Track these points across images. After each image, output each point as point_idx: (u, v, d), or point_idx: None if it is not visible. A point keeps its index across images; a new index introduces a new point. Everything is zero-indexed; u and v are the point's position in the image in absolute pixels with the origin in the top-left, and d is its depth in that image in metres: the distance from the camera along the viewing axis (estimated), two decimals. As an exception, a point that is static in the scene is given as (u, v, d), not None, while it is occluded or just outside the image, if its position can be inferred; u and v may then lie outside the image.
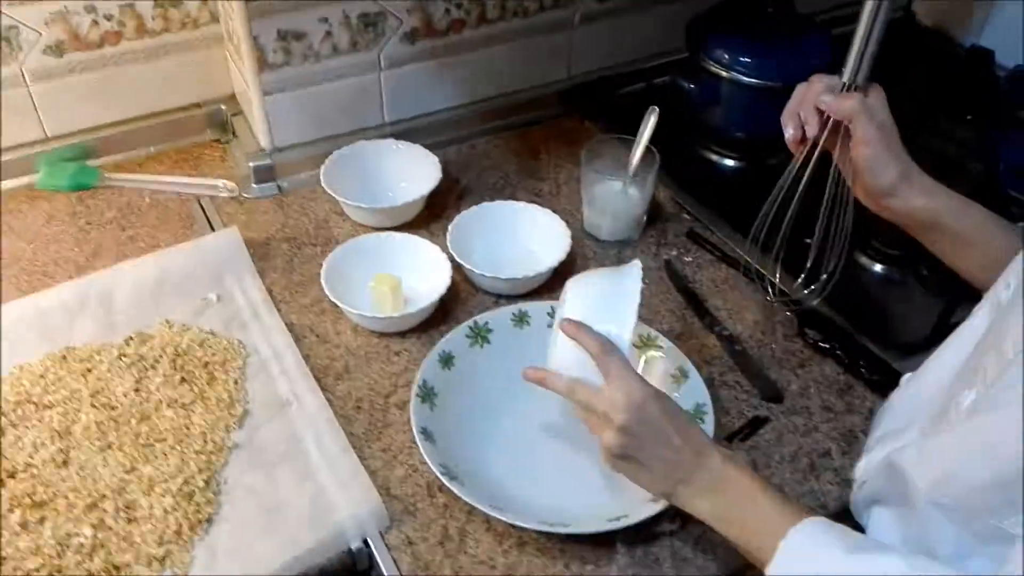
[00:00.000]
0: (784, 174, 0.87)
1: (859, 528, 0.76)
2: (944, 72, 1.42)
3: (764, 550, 0.65)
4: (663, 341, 0.90)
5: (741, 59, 1.14)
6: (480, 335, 0.92)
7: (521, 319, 0.93)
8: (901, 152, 0.80)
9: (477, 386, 0.89)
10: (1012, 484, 0.57)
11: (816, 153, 0.83)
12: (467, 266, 0.99)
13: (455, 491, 0.76)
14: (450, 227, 1.02)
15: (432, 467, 0.78)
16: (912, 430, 0.71)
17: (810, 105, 0.81)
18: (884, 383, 0.91)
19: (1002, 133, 1.18)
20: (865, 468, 0.77)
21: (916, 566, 0.59)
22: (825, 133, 0.81)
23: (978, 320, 0.72)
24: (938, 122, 1.29)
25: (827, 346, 0.95)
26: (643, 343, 0.90)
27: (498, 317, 0.93)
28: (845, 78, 0.79)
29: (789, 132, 0.83)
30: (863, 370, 0.93)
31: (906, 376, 0.81)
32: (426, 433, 0.81)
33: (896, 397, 0.81)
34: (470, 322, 0.91)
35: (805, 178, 0.85)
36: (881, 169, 0.79)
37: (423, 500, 0.80)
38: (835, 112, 0.79)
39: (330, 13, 1.07)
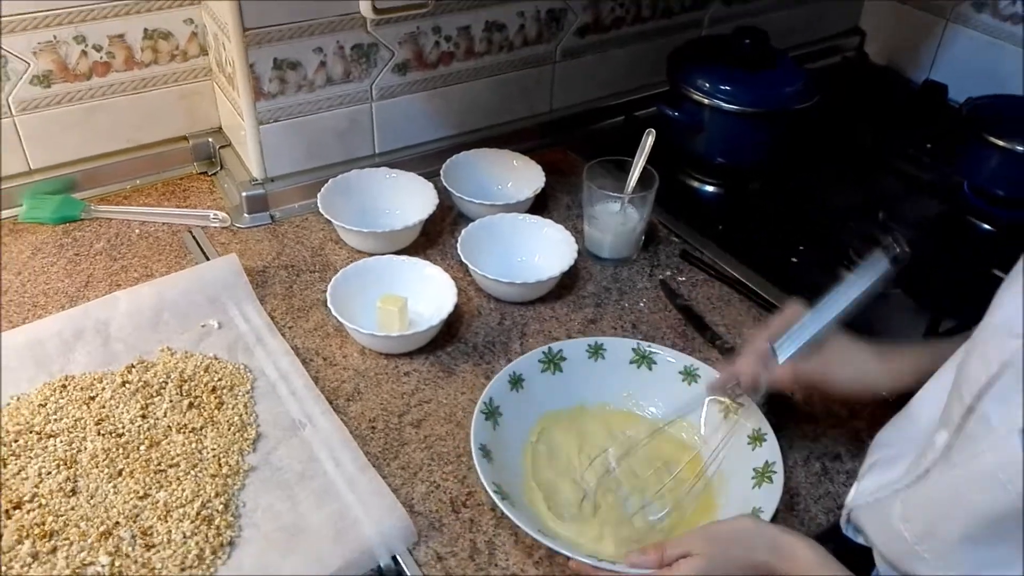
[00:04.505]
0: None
1: (845, 544, 0.77)
2: (900, 106, 1.50)
3: None
4: (745, 400, 0.86)
5: (722, 87, 1.19)
6: (553, 362, 0.91)
7: (596, 351, 0.92)
8: (843, 355, 0.81)
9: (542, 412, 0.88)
10: (982, 542, 0.58)
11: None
12: (478, 271, 1.01)
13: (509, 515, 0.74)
14: (461, 234, 1.05)
15: (486, 485, 0.76)
16: (900, 463, 0.71)
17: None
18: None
19: (964, 159, 1.24)
20: (854, 496, 0.77)
21: None
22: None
23: (960, 356, 0.70)
24: (903, 151, 1.36)
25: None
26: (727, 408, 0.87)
27: (572, 346, 0.92)
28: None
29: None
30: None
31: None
32: (484, 451, 0.80)
33: (889, 427, 0.79)
34: (544, 348, 0.90)
35: None
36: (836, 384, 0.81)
37: (448, 516, 0.79)
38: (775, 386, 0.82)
39: (324, 43, 1.08)
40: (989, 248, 1.20)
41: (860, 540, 0.76)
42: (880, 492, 0.71)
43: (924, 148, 1.37)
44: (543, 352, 0.90)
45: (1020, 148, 1.17)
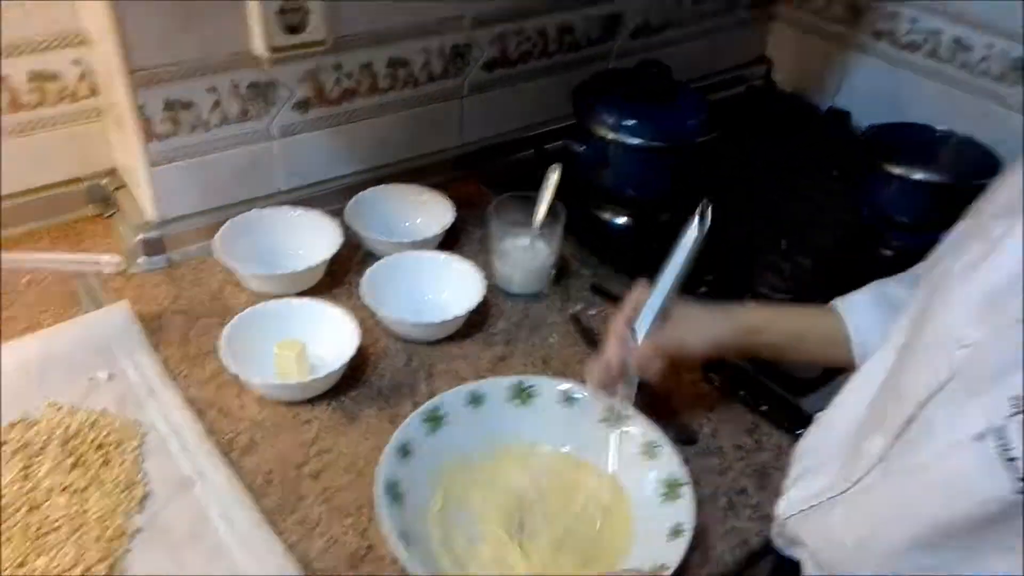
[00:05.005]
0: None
1: (783, 561, 0.77)
2: (806, 132, 1.53)
3: None
4: (630, 411, 0.88)
5: (624, 122, 1.19)
6: (476, 400, 0.89)
7: (521, 392, 0.91)
8: (695, 321, 0.87)
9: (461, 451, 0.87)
10: (931, 547, 0.58)
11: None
12: (382, 313, 0.98)
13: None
14: (364, 275, 1.03)
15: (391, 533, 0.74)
16: (827, 470, 0.72)
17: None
18: (788, 420, 0.95)
19: (864, 185, 1.28)
20: (786, 508, 0.77)
21: None
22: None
23: (881, 357, 0.72)
24: (809, 176, 1.39)
25: (731, 388, 0.98)
26: (611, 415, 0.88)
27: (493, 384, 0.91)
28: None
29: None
30: (766, 409, 0.97)
31: (818, 414, 0.81)
32: (394, 492, 0.78)
33: (810, 436, 0.81)
34: (466, 387, 0.89)
35: None
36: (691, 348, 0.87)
37: (346, 571, 0.77)
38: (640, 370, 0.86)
39: (218, 83, 1.05)
40: (889, 273, 1.22)
41: (789, 552, 0.77)
42: (815, 500, 0.71)
43: (829, 175, 1.41)
44: (465, 392, 0.89)
45: (916, 176, 1.20)
